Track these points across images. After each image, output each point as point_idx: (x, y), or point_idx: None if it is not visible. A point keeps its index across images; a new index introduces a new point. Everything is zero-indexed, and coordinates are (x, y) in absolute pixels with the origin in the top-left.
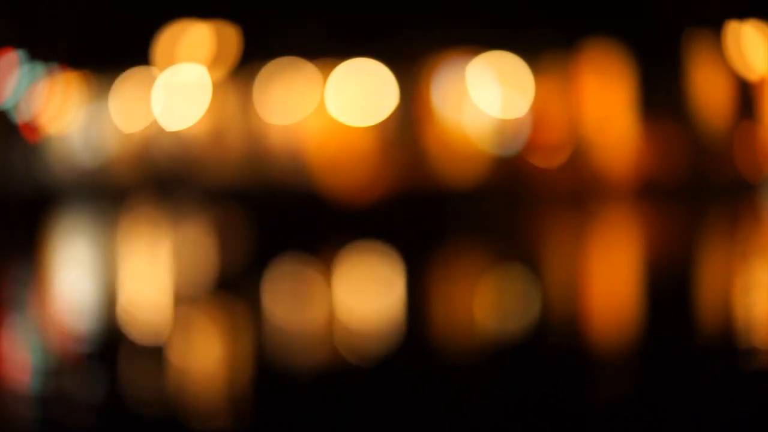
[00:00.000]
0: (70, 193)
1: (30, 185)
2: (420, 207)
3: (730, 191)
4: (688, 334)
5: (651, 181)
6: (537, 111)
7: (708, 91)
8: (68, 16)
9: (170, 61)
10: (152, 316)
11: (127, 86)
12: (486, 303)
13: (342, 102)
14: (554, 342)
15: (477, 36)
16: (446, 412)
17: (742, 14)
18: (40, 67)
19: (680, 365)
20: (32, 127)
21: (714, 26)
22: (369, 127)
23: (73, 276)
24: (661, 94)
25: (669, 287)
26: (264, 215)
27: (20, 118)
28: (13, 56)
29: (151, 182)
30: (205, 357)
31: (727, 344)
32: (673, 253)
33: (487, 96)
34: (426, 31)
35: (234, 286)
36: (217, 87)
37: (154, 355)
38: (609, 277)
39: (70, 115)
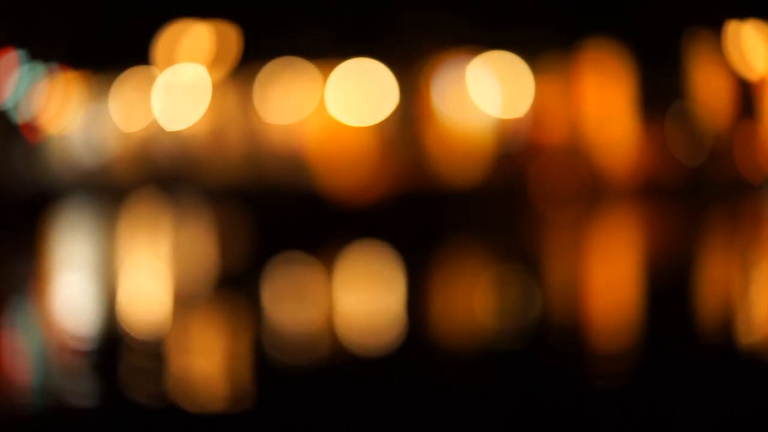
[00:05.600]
0: (70, 193)
1: (30, 185)
2: (420, 207)
3: (730, 191)
4: (689, 334)
5: (651, 181)
6: (537, 111)
7: (708, 91)
8: (68, 16)
9: (170, 61)
10: (152, 316)
11: (127, 86)
12: (486, 302)
13: (342, 102)
14: (554, 342)
15: (477, 36)
16: (446, 410)
17: (742, 14)
18: (40, 67)
19: (680, 364)
20: (32, 127)
21: (714, 26)
22: (369, 127)
23: (74, 275)
24: (661, 94)
25: (669, 287)
26: (264, 215)
27: (20, 118)
28: (13, 56)
29: (152, 182)
30: (205, 356)
31: (727, 344)
32: (673, 253)
33: (487, 96)
34: (426, 31)
35: (234, 285)
36: (217, 87)
37: (154, 354)
38: (609, 276)
39: (70, 115)
